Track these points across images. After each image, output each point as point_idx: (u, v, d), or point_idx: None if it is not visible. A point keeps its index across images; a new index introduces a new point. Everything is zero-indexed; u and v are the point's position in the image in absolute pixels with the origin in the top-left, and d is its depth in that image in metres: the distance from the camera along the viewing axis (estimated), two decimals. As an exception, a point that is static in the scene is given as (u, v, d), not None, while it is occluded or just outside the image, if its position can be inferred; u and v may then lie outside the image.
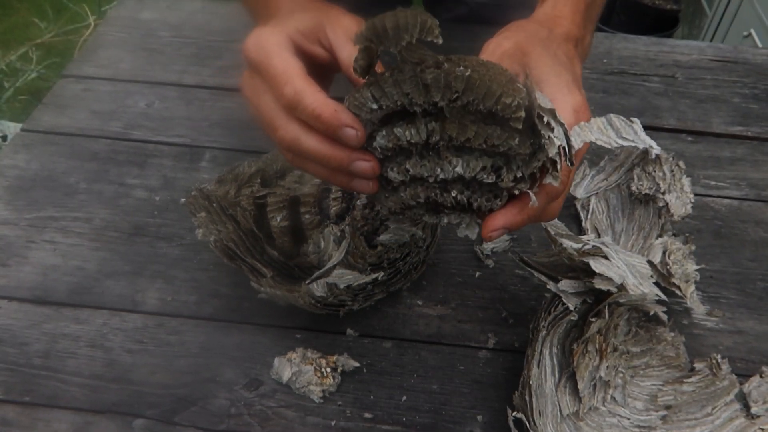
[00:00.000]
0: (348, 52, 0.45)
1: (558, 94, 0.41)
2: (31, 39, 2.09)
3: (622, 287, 0.52)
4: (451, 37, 0.92)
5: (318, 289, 0.55)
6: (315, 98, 0.39)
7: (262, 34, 0.43)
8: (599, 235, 0.67)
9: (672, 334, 0.58)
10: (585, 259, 0.52)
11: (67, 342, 0.59)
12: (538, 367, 0.53)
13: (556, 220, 0.57)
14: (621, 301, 0.54)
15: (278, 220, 0.62)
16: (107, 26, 0.94)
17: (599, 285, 0.52)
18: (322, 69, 0.46)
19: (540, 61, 0.43)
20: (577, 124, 0.41)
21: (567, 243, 0.54)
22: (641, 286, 0.53)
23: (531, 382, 0.52)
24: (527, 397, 0.51)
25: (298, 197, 0.63)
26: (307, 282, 0.55)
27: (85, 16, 2.09)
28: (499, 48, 0.44)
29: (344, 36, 0.45)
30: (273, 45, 0.42)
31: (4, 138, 1.50)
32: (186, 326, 0.61)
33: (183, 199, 0.62)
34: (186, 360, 0.58)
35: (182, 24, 0.94)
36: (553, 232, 0.56)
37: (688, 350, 0.58)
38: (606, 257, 0.53)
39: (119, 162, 0.75)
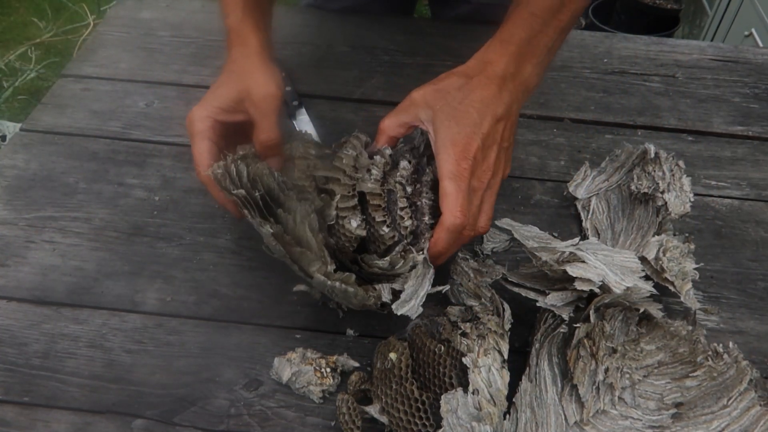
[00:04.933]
0: (262, 131, 0.60)
1: (443, 191, 0.53)
2: (30, 38, 2.09)
3: (605, 287, 0.52)
4: (451, 36, 0.92)
5: (386, 294, 0.55)
6: (217, 197, 0.61)
7: (192, 116, 0.60)
8: (599, 235, 0.67)
9: (689, 328, 0.57)
10: (563, 268, 0.53)
11: (66, 342, 0.59)
12: (532, 381, 0.54)
13: (534, 229, 0.60)
14: (607, 301, 0.54)
15: (354, 225, 0.58)
16: (106, 26, 0.94)
17: (580, 286, 0.52)
18: (246, 126, 0.61)
19: (439, 128, 0.55)
20: (452, 223, 0.53)
21: (545, 256, 0.54)
22: (623, 281, 0.53)
23: (525, 398, 0.52)
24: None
25: (364, 194, 0.59)
26: (392, 305, 0.54)
27: (85, 15, 2.09)
28: (404, 101, 0.58)
29: (259, 112, 0.60)
30: (196, 132, 0.60)
31: (4, 138, 1.50)
32: (185, 326, 0.61)
33: (213, 171, 0.56)
34: (186, 360, 0.58)
35: (182, 24, 0.94)
36: (529, 247, 0.56)
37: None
38: (583, 260, 0.54)
39: (118, 162, 0.75)
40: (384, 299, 0.54)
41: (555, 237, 0.61)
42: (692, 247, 0.62)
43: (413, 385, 0.51)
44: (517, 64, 0.57)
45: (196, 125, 0.60)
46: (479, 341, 0.53)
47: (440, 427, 0.48)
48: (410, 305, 0.54)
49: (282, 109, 0.62)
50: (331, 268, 0.54)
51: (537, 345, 0.56)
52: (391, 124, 0.59)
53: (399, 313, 0.53)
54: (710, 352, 0.55)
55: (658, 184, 0.67)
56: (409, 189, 0.59)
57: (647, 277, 0.59)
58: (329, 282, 0.53)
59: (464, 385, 0.50)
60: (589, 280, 0.52)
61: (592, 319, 0.54)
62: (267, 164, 0.58)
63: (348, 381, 0.56)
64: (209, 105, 0.61)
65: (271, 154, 0.61)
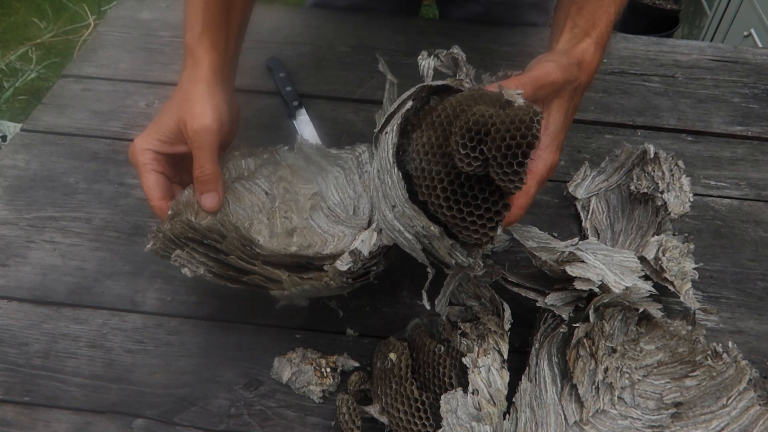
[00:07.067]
0: (196, 166, 0.58)
1: (546, 150, 0.53)
2: (30, 39, 2.09)
3: (605, 287, 0.53)
4: (451, 36, 0.92)
5: (343, 264, 0.52)
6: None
7: (133, 148, 0.59)
8: (599, 235, 0.67)
9: (689, 327, 0.57)
10: (562, 268, 0.53)
11: (66, 342, 0.59)
12: (532, 381, 0.54)
13: (533, 229, 0.59)
14: (606, 301, 0.54)
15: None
16: (107, 26, 0.94)
17: (580, 286, 0.52)
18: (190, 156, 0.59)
19: (558, 113, 0.53)
20: (545, 175, 0.52)
21: (545, 256, 0.54)
22: (623, 281, 0.53)
23: (525, 398, 0.52)
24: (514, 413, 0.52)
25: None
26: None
27: (85, 15, 2.09)
28: (551, 75, 0.52)
29: (194, 146, 0.57)
30: (140, 165, 0.58)
31: (4, 138, 1.50)
32: (186, 326, 0.61)
33: (148, 247, 0.57)
34: (186, 360, 0.58)
35: (182, 23, 0.93)
36: (529, 247, 0.56)
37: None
38: (582, 260, 0.54)
39: (119, 162, 0.75)
40: (342, 268, 0.52)
41: (555, 237, 0.61)
42: (692, 247, 0.62)
43: (413, 385, 0.51)
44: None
45: (138, 158, 0.58)
46: (479, 341, 0.53)
47: (440, 427, 0.48)
48: (443, 302, 0.54)
49: (218, 143, 0.58)
50: (285, 276, 0.53)
51: (537, 345, 0.56)
52: (532, 88, 0.52)
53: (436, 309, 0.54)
54: (709, 352, 0.55)
55: (657, 184, 0.67)
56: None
57: (647, 277, 0.59)
58: (287, 293, 0.53)
59: (464, 385, 0.50)
60: (588, 280, 0.52)
61: (591, 318, 0.54)
62: (186, 221, 0.55)
63: (348, 381, 0.56)
64: (149, 137, 0.59)
65: (206, 190, 0.58)
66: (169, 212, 0.57)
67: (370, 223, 0.60)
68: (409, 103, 0.50)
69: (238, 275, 0.55)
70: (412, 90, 0.51)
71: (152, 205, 0.58)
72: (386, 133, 0.50)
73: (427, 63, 0.54)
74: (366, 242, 0.54)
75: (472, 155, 0.44)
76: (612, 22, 0.58)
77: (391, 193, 0.49)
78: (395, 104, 0.51)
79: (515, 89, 0.47)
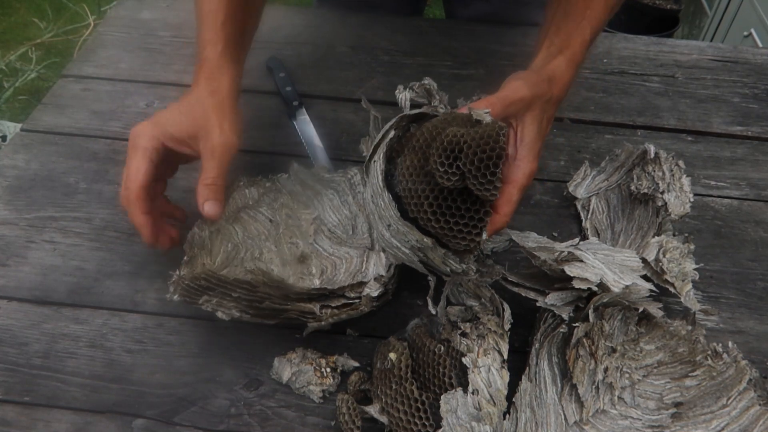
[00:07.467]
0: (208, 176, 0.58)
1: (524, 160, 0.56)
2: (30, 39, 2.09)
3: (604, 286, 0.53)
4: (451, 36, 0.92)
5: (373, 290, 0.57)
6: (137, 217, 0.57)
7: (140, 131, 0.58)
8: (599, 235, 0.67)
9: (689, 327, 0.57)
10: (561, 267, 0.53)
11: (66, 342, 0.59)
12: (532, 381, 0.54)
13: (532, 234, 0.60)
14: (605, 300, 0.54)
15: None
16: (107, 26, 0.94)
17: (578, 285, 0.52)
18: (185, 158, 0.62)
19: (531, 125, 0.57)
20: (525, 183, 0.56)
21: (544, 256, 0.55)
22: (622, 280, 0.53)
23: (525, 398, 0.52)
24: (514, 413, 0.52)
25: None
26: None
27: (85, 15, 2.09)
28: (518, 92, 0.56)
29: (213, 157, 0.58)
30: (137, 148, 0.58)
31: (4, 138, 1.50)
32: (186, 326, 0.61)
33: (174, 297, 0.56)
34: (186, 360, 0.58)
35: (182, 24, 0.94)
36: (528, 247, 0.56)
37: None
38: (581, 260, 0.54)
39: (119, 162, 0.75)
40: (374, 294, 0.57)
41: (555, 237, 0.61)
42: (692, 247, 0.62)
43: (413, 385, 0.52)
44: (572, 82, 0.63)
45: (142, 141, 0.57)
46: (479, 341, 0.53)
47: (440, 427, 0.48)
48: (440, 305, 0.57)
49: (233, 160, 0.60)
50: (317, 308, 0.56)
51: (537, 345, 0.56)
52: (501, 106, 0.56)
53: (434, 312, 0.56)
54: (710, 352, 0.55)
55: (657, 184, 0.67)
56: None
57: (647, 278, 0.59)
58: (323, 323, 0.56)
59: (464, 385, 0.50)
60: (586, 279, 0.52)
61: (591, 318, 0.54)
62: (211, 274, 0.54)
63: (348, 381, 0.56)
64: (163, 127, 0.58)
65: (212, 197, 0.58)
66: (185, 258, 0.58)
67: (372, 242, 0.62)
68: (392, 133, 0.56)
69: (275, 314, 0.57)
70: (393, 120, 0.56)
71: (128, 187, 0.57)
72: (374, 161, 0.55)
73: (404, 95, 0.60)
74: (378, 264, 0.58)
75: (450, 171, 0.49)
76: (587, 42, 0.63)
77: (384, 214, 0.54)
78: (379, 135, 0.56)
79: (483, 108, 0.51)
